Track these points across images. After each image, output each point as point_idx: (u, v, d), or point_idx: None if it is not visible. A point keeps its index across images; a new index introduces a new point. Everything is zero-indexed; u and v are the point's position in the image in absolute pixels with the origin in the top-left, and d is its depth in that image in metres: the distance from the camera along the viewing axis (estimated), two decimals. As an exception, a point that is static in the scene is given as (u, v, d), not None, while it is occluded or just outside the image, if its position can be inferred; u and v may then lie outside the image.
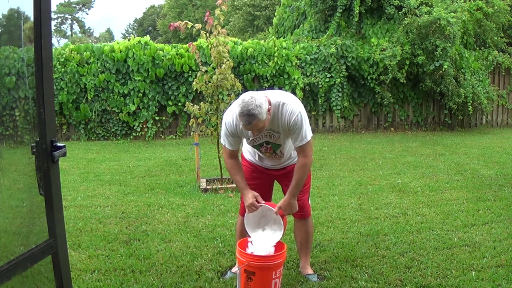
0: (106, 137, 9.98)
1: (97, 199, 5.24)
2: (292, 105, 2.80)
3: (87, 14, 69.75)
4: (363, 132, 10.78)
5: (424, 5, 10.15)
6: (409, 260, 3.44)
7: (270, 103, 2.74)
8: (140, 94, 9.70)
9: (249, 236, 3.02)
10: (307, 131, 2.84)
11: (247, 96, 2.67)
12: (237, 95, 9.66)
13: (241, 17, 27.88)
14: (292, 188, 2.91)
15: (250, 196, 2.92)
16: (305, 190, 3.16)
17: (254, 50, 10.03)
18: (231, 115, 2.87)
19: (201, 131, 5.81)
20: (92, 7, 58.96)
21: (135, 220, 4.46)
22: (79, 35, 46.46)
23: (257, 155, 3.15)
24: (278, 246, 2.94)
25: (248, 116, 2.60)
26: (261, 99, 2.66)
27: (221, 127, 3.01)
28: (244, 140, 3.09)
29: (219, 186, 5.59)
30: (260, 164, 3.17)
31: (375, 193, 5.36)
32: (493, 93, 11.03)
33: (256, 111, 2.59)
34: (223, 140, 2.98)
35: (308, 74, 10.24)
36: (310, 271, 3.26)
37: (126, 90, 9.70)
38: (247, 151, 3.23)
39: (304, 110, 2.87)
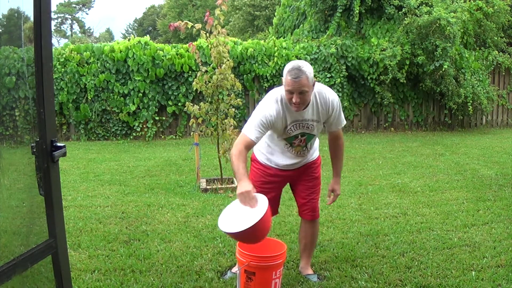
0: (106, 137, 9.98)
1: (97, 199, 5.24)
2: (330, 93, 2.92)
3: (87, 14, 69.85)
4: (363, 132, 10.78)
5: (424, 5, 10.15)
6: (409, 260, 3.44)
7: (314, 85, 2.82)
8: (140, 94, 9.70)
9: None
10: (343, 115, 3.05)
11: (298, 60, 2.85)
12: (237, 95, 9.65)
13: (241, 17, 27.87)
14: (339, 168, 3.19)
15: (248, 183, 2.61)
16: (317, 190, 3.19)
17: (254, 50, 10.03)
18: (272, 101, 2.81)
19: (201, 131, 5.80)
20: (92, 7, 59.02)
21: (135, 220, 4.46)
22: (79, 35, 46.45)
23: (275, 154, 3.04)
24: (278, 246, 2.94)
25: (299, 70, 2.65)
26: (312, 69, 2.75)
27: (246, 118, 2.91)
28: (261, 142, 3.03)
29: (219, 186, 5.59)
30: (275, 166, 3.06)
31: (375, 193, 5.36)
32: (493, 93, 11.03)
33: (306, 69, 2.67)
34: (250, 129, 2.76)
35: (308, 74, 10.22)
36: (310, 271, 3.26)
37: (126, 90, 9.70)
38: (262, 153, 3.10)
39: None
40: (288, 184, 3.25)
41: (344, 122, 3.06)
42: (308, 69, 2.68)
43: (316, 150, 3.22)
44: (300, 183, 3.14)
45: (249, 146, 2.78)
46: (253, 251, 2.87)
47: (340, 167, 3.20)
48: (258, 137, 2.77)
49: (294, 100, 2.70)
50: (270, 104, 2.81)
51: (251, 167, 3.18)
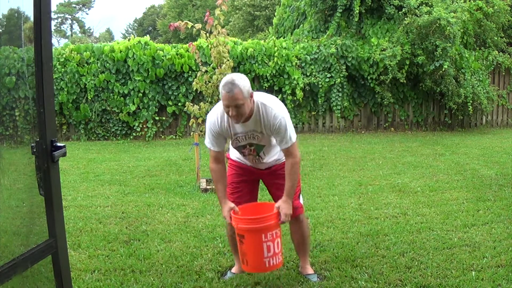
0: (106, 137, 9.98)
1: (97, 199, 5.24)
2: (274, 108, 2.83)
3: (87, 14, 69.77)
4: (363, 132, 10.78)
5: (424, 5, 10.15)
6: (409, 260, 3.44)
7: (252, 96, 2.79)
8: (140, 94, 9.70)
9: None
10: (292, 134, 2.86)
11: (234, 74, 2.81)
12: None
13: (241, 17, 27.87)
14: (287, 188, 2.91)
15: (227, 209, 2.92)
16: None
17: (254, 50, 10.03)
18: (215, 114, 2.91)
19: (201, 131, 5.81)
20: (92, 7, 59.02)
21: (135, 220, 4.46)
22: (79, 35, 46.46)
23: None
24: (267, 208, 2.97)
25: (231, 84, 2.67)
26: (247, 82, 2.75)
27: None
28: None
29: (219, 186, 5.58)
30: (245, 163, 3.16)
31: (375, 193, 5.36)
32: (493, 93, 11.03)
33: (240, 83, 2.68)
34: (207, 142, 2.97)
35: (308, 74, 10.23)
36: (310, 271, 3.26)
37: (126, 90, 9.70)
38: (234, 150, 3.20)
39: (287, 113, 2.90)
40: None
41: (292, 141, 2.85)
42: (242, 82, 2.69)
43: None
44: (273, 182, 3.14)
45: (216, 156, 2.98)
46: (244, 214, 2.92)
47: (288, 187, 2.91)
48: (214, 145, 2.94)
49: (230, 113, 2.74)
50: (212, 113, 2.93)
51: (228, 163, 3.27)
